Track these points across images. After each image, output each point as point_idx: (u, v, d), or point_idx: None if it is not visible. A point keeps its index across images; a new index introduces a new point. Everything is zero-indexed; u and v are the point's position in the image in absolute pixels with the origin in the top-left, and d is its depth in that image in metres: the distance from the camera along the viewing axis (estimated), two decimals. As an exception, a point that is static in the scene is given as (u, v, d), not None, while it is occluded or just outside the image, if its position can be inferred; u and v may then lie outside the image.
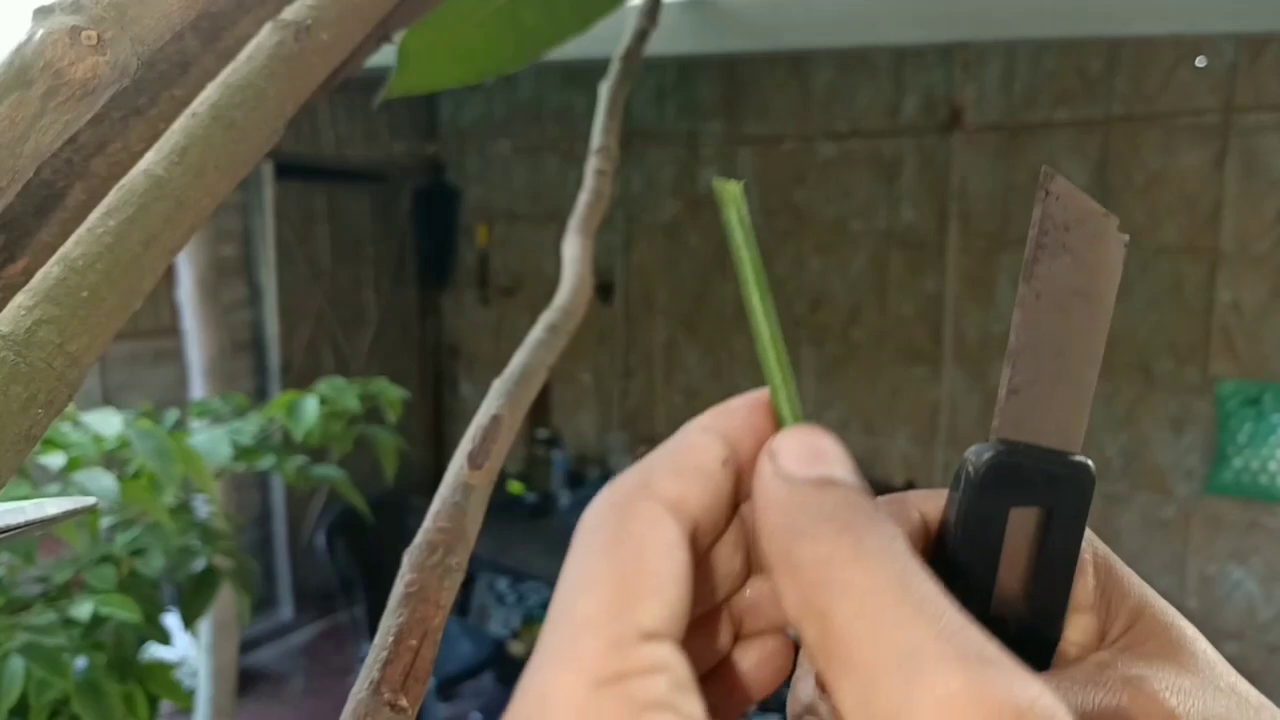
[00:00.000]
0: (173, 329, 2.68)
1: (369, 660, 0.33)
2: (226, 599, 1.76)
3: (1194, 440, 2.94)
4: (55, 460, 1.14)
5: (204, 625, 2.18)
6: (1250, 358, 2.81)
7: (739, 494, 0.24)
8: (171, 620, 1.33)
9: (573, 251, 0.66)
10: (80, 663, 1.16)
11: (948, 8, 0.74)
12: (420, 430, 4.55)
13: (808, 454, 0.22)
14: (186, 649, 2.52)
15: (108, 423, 1.14)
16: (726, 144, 3.77)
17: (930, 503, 0.29)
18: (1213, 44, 2.73)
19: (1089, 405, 0.26)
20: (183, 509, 1.34)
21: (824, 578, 0.19)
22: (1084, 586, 0.28)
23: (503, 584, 3.63)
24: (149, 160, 0.31)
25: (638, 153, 3.87)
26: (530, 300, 4.36)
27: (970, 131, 3.18)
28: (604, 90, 0.77)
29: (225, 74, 0.33)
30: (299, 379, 3.92)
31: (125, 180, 0.31)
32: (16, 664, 1.01)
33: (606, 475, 3.96)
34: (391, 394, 1.48)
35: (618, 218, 3.99)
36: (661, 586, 0.20)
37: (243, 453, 1.35)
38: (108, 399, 3.06)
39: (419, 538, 0.36)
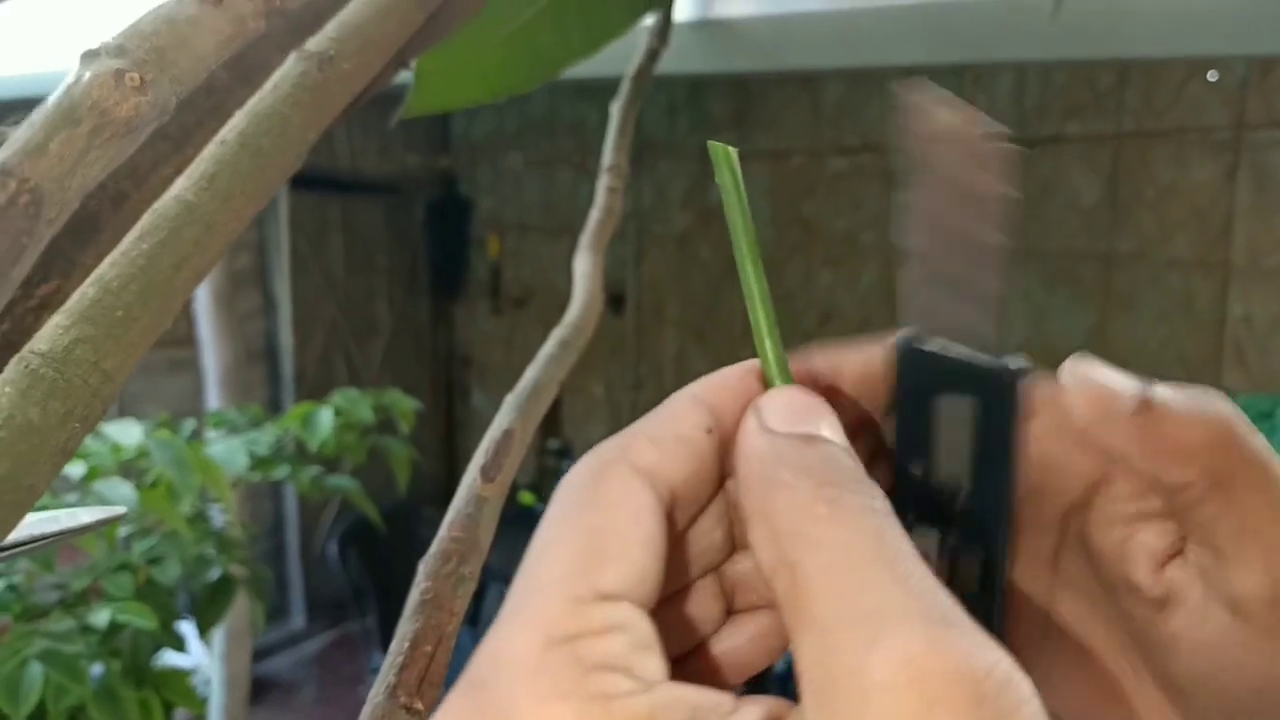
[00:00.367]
0: (188, 339, 2.71)
1: (385, 665, 0.34)
2: (240, 607, 1.78)
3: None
4: (75, 470, 1.16)
5: (217, 633, 2.20)
6: (1262, 371, 2.80)
7: (725, 464, 0.23)
8: (186, 628, 1.34)
9: (584, 268, 0.67)
10: (96, 669, 1.18)
11: (956, 30, 0.75)
12: (432, 440, 4.57)
13: (793, 411, 0.22)
14: (200, 657, 2.54)
15: (128, 433, 1.16)
16: (738, 156, 3.78)
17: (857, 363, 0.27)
18: (1224, 59, 2.74)
19: (992, 309, 0.25)
20: (199, 518, 1.36)
21: (798, 529, 0.19)
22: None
23: (513, 594, 3.63)
24: (180, 186, 0.32)
25: (649, 165, 3.89)
26: (542, 311, 4.38)
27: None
28: (615, 109, 0.79)
29: (252, 102, 0.34)
30: (312, 388, 3.94)
31: (157, 205, 0.32)
32: (35, 670, 1.03)
33: (617, 486, 3.96)
34: (404, 405, 1.49)
35: (629, 230, 4.01)
36: (627, 550, 0.20)
37: (258, 463, 1.37)
38: (124, 408, 3.08)
39: (434, 547, 0.38)
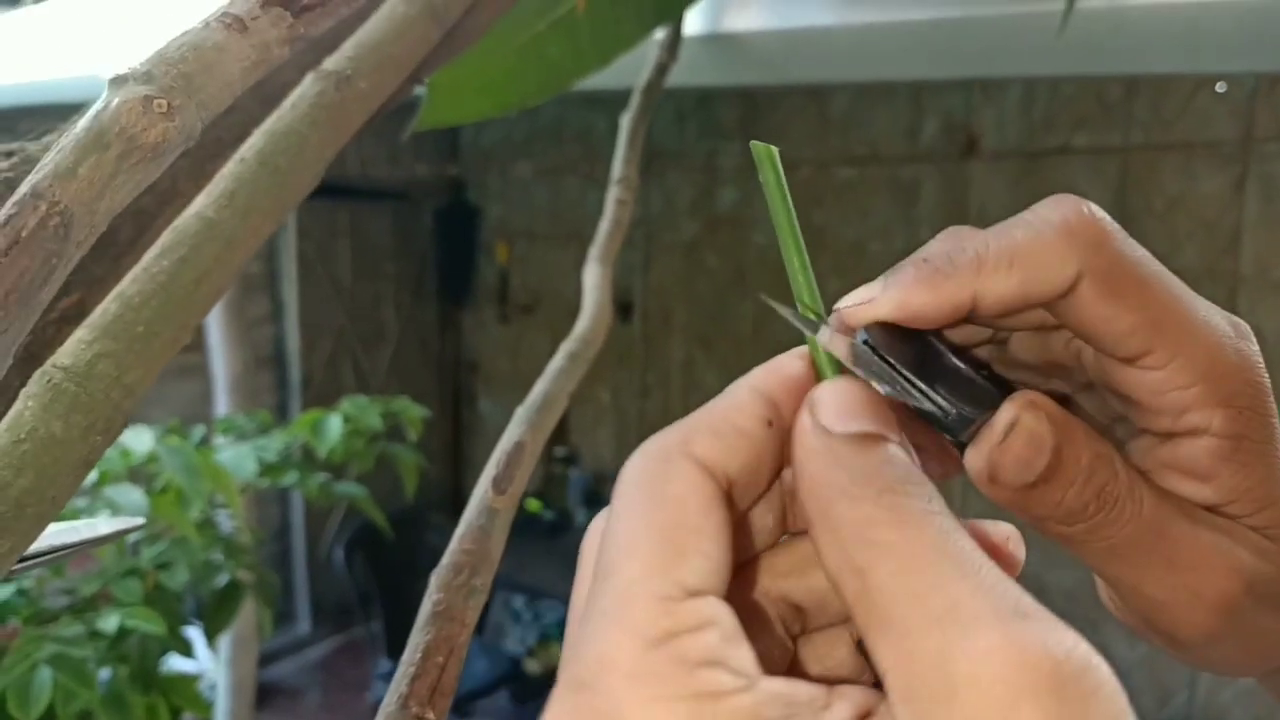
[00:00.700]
0: (197, 344, 2.72)
1: (398, 675, 0.35)
2: (246, 613, 1.79)
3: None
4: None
5: (223, 639, 2.21)
6: (1272, 383, 2.79)
7: (783, 455, 0.24)
8: (192, 633, 1.35)
9: (593, 279, 0.68)
10: (104, 674, 1.18)
11: (963, 46, 0.76)
12: (439, 446, 4.57)
13: (847, 407, 0.22)
14: (206, 662, 2.55)
15: (139, 439, 1.17)
16: (745, 166, 3.79)
17: None
18: (1232, 73, 2.74)
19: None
20: (207, 524, 1.36)
21: (863, 537, 0.19)
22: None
23: (519, 602, 3.64)
24: (200, 203, 0.33)
25: (657, 174, 3.90)
26: (549, 318, 4.39)
27: (988, 159, 3.20)
28: (625, 122, 0.79)
29: (270, 121, 0.35)
30: (319, 394, 3.95)
31: (178, 222, 0.33)
32: (45, 674, 1.04)
33: (623, 494, 3.97)
34: (413, 413, 1.50)
35: (637, 237, 4.01)
36: (703, 544, 0.20)
37: (267, 469, 1.37)
38: (134, 413, 3.09)
39: (445, 559, 0.38)
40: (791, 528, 0.26)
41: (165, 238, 0.33)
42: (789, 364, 0.25)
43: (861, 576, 0.19)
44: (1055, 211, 0.26)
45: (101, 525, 0.35)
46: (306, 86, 0.36)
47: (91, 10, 2.25)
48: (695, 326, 4.01)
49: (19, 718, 0.98)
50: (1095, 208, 0.26)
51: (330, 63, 0.37)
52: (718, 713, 0.18)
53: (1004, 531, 0.25)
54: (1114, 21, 0.67)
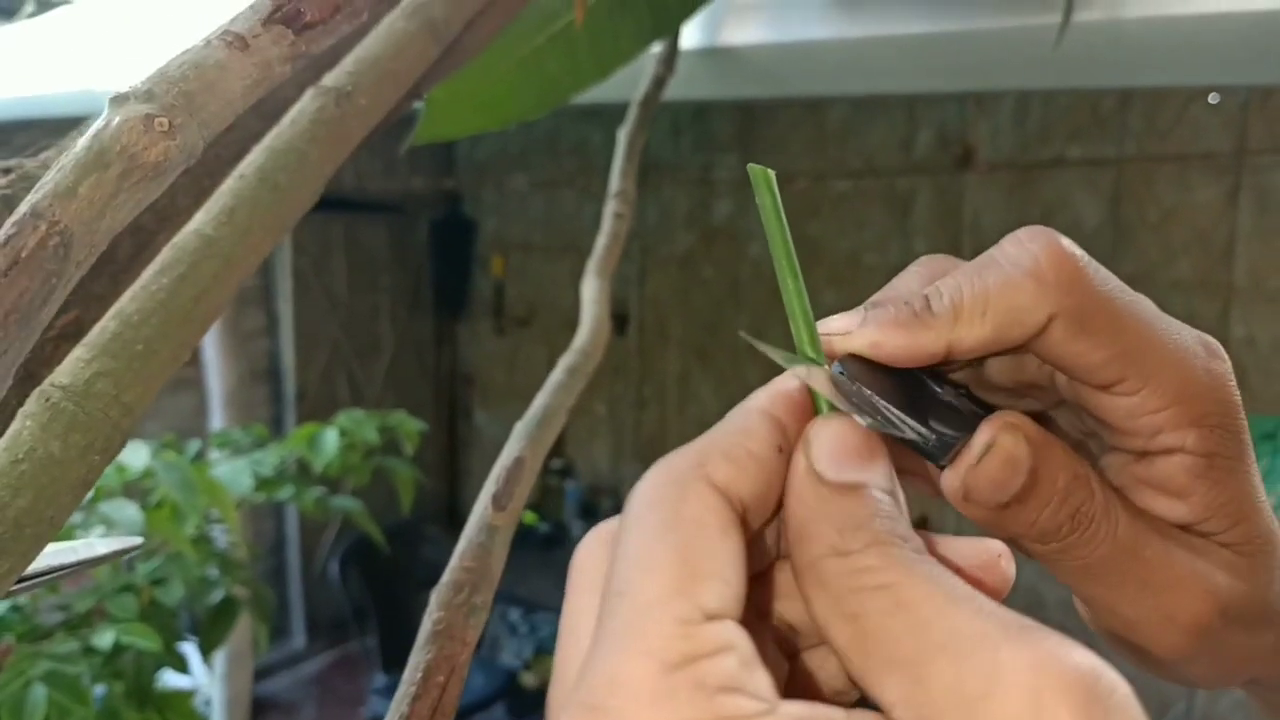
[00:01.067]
0: (192, 358, 2.71)
1: (398, 696, 0.34)
2: (241, 628, 1.78)
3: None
4: (80, 490, 1.16)
5: (218, 654, 2.20)
6: (1265, 393, 2.80)
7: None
8: (187, 648, 1.34)
9: (591, 293, 0.68)
10: (99, 690, 1.17)
11: (960, 59, 0.76)
12: (434, 459, 4.56)
13: (841, 453, 0.22)
14: (200, 677, 2.53)
15: (135, 454, 1.16)
16: (741, 178, 3.80)
17: None
18: (1227, 84, 2.75)
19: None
20: (202, 539, 1.36)
21: (852, 586, 0.20)
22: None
23: (515, 615, 3.63)
24: (199, 220, 0.33)
25: (653, 186, 3.90)
26: (545, 330, 4.39)
27: (983, 171, 3.21)
28: (622, 135, 0.79)
29: (270, 138, 0.35)
30: (314, 407, 3.95)
31: (177, 239, 0.32)
32: (39, 692, 1.03)
33: (620, 506, 3.94)
34: (410, 427, 1.50)
35: (633, 250, 4.02)
36: (721, 568, 0.20)
37: (262, 484, 1.37)
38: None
39: (446, 576, 0.38)
40: (786, 550, 0.26)
41: (164, 255, 0.33)
42: (793, 386, 0.25)
43: (854, 621, 0.19)
44: (1027, 252, 0.26)
45: (99, 545, 0.35)
46: (306, 102, 0.36)
47: (86, 25, 2.25)
48: (691, 339, 4.01)
49: (13, 736, 0.98)
50: (1066, 243, 0.26)
51: (330, 78, 0.37)
52: None
53: (995, 548, 0.25)
54: (1110, 34, 0.67)
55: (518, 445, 0.46)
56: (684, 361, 4.04)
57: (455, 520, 4.63)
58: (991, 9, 0.69)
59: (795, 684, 0.26)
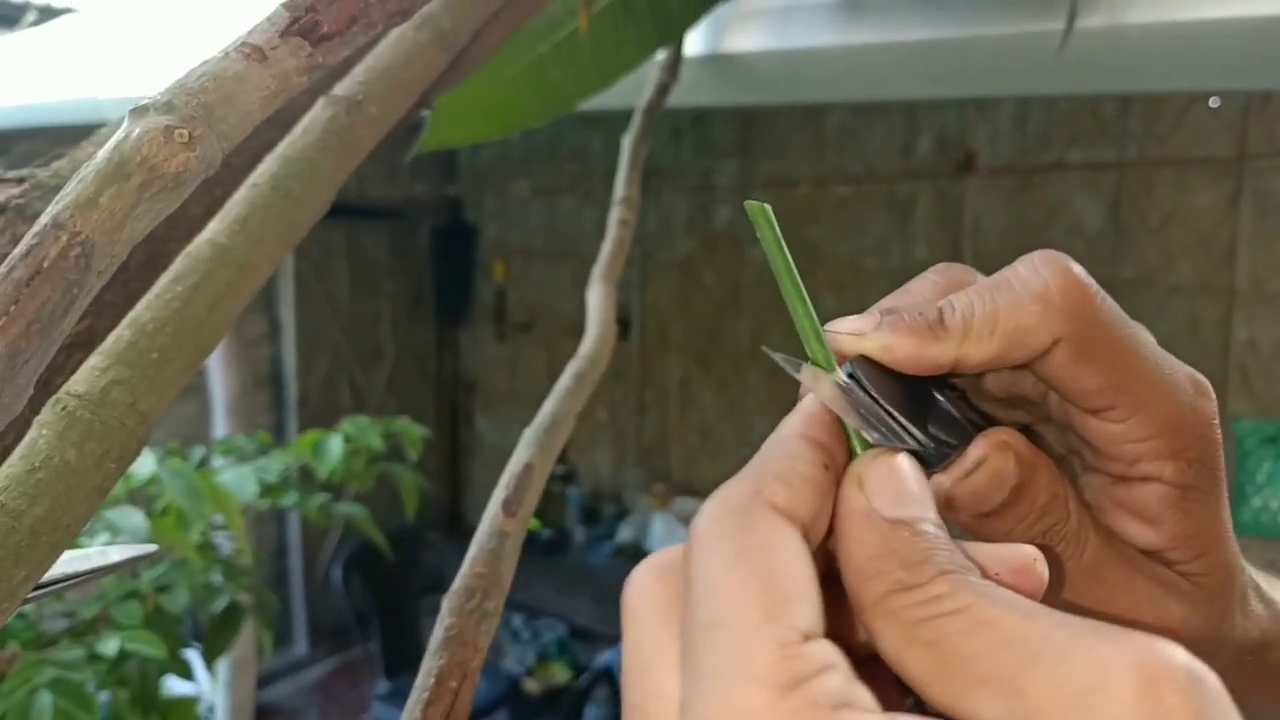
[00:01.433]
0: (194, 365, 2.71)
1: (411, 702, 0.34)
2: (245, 635, 1.78)
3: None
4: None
5: (222, 661, 2.20)
6: (1268, 396, 2.80)
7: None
8: (192, 655, 1.34)
9: (597, 300, 0.68)
10: (104, 697, 1.17)
11: (960, 66, 0.76)
12: (436, 465, 4.57)
13: (893, 489, 0.23)
14: (204, 684, 2.53)
15: (141, 461, 1.17)
16: (741, 183, 3.81)
17: None
18: (1228, 89, 2.75)
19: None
20: (206, 545, 1.36)
21: (924, 617, 0.20)
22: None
23: (518, 621, 3.63)
24: (213, 229, 0.33)
25: (654, 191, 3.91)
26: (546, 336, 4.39)
27: (984, 175, 3.21)
28: (626, 142, 0.80)
29: (282, 147, 0.35)
30: (316, 413, 3.95)
31: (191, 248, 0.33)
32: (45, 699, 1.03)
33: (622, 512, 3.97)
34: (413, 433, 1.50)
35: (634, 255, 4.01)
36: (804, 588, 0.20)
37: (267, 490, 1.37)
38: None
39: (457, 583, 0.38)
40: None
41: (178, 264, 0.33)
42: (819, 407, 0.25)
43: (933, 647, 0.20)
44: (1038, 276, 0.27)
45: (114, 553, 0.35)
46: (318, 111, 0.36)
47: (88, 33, 2.26)
48: (692, 344, 4.01)
49: (19, 743, 0.98)
50: (1076, 270, 0.27)
51: (341, 88, 0.37)
52: None
53: (1029, 553, 0.25)
54: (1112, 41, 0.68)
55: (527, 451, 0.46)
56: (685, 367, 4.04)
57: (457, 526, 4.63)
58: (993, 16, 0.69)
59: None
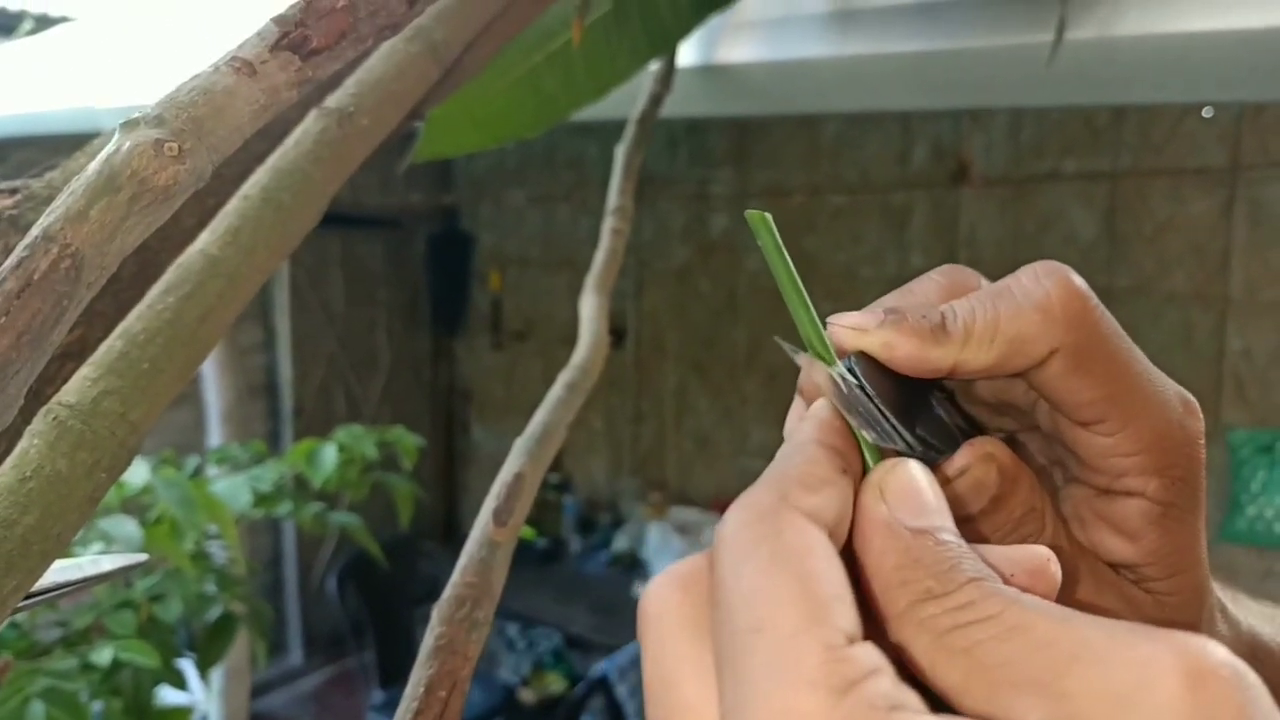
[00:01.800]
0: (190, 374, 2.71)
1: (400, 710, 0.35)
2: (239, 645, 1.77)
3: (1207, 488, 2.94)
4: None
5: (216, 670, 2.19)
6: (1262, 405, 2.81)
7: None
8: (185, 664, 1.34)
9: (589, 309, 0.68)
10: (97, 707, 1.17)
11: (953, 77, 0.76)
12: (431, 474, 4.56)
13: (914, 499, 0.23)
14: (198, 694, 2.52)
15: (134, 470, 1.17)
16: (736, 192, 3.81)
17: None
18: (1220, 100, 2.76)
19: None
20: (200, 555, 1.36)
21: (957, 622, 0.20)
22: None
23: (513, 630, 3.62)
24: (204, 240, 0.33)
25: (649, 200, 3.92)
26: (542, 345, 4.39)
27: (978, 185, 3.22)
28: (620, 152, 0.80)
29: (274, 158, 0.35)
30: (310, 422, 3.95)
31: (182, 259, 0.33)
32: (38, 709, 1.03)
33: (618, 521, 3.96)
34: (408, 442, 1.50)
35: (629, 263, 4.03)
36: (841, 590, 0.20)
37: (261, 499, 1.37)
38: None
39: (447, 592, 0.38)
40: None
41: (170, 275, 0.33)
42: (830, 414, 0.25)
43: (968, 654, 0.20)
44: (1040, 286, 0.28)
45: (105, 562, 0.35)
46: (310, 123, 0.37)
47: (84, 43, 2.26)
48: (688, 352, 4.02)
49: (11, 753, 0.98)
50: (1077, 281, 0.28)
51: (333, 100, 0.37)
52: None
53: (1042, 553, 0.25)
54: (1102, 53, 0.68)
55: (518, 461, 0.46)
56: (681, 375, 4.04)
57: (452, 535, 4.62)
58: (985, 28, 0.70)
59: None
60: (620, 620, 3.28)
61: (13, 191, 0.39)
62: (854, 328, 0.27)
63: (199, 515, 1.14)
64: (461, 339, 4.79)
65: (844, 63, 0.77)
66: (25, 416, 0.31)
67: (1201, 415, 0.29)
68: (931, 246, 3.34)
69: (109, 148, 0.23)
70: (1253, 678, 0.18)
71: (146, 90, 1.58)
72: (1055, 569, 0.25)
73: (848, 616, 0.20)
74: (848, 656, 0.19)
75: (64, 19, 2.98)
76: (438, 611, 0.37)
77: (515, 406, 4.51)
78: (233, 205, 0.34)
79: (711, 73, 0.84)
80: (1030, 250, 3.13)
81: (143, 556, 0.36)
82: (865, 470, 0.25)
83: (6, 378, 0.22)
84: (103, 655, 1.12)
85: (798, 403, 0.29)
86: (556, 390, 0.55)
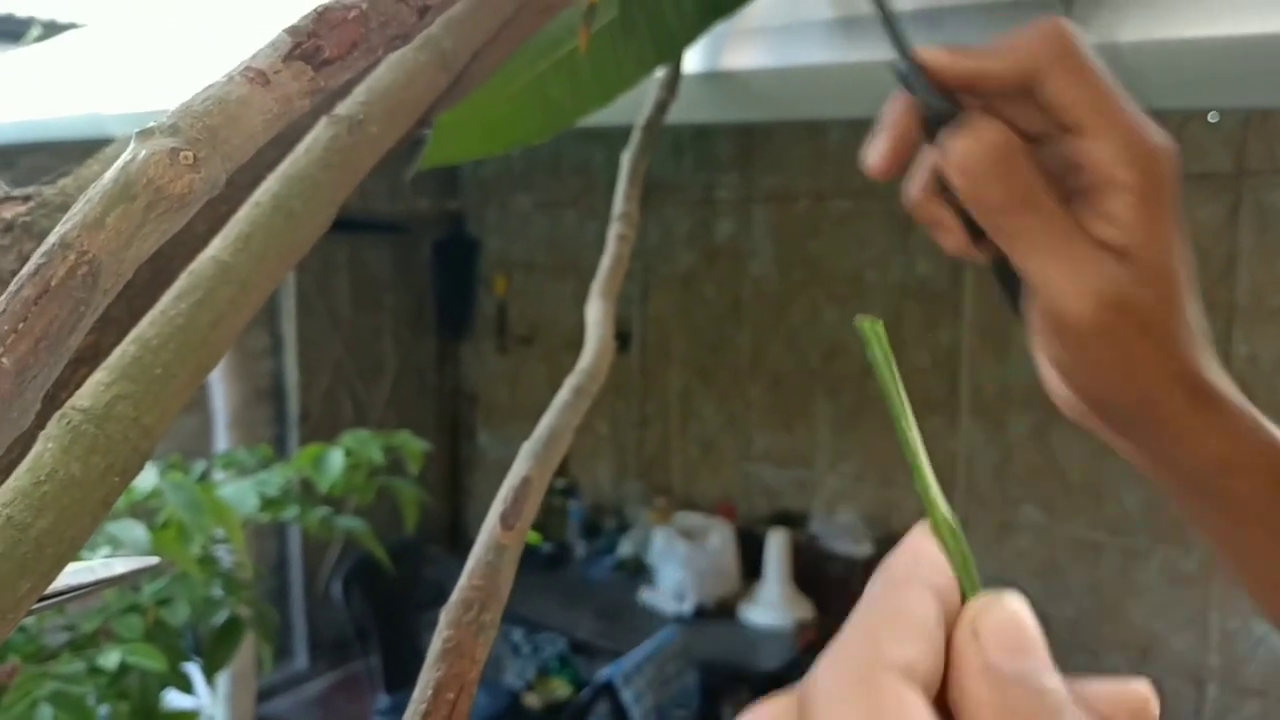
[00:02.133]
0: (196, 378, 2.72)
1: (408, 714, 0.35)
2: (245, 649, 1.78)
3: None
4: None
5: (222, 674, 2.19)
6: (1268, 410, 2.77)
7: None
8: (191, 668, 1.34)
9: (595, 315, 0.69)
10: (104, 710, 1.18)
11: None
12: (437, 478, 4.57)
13: (1010, 639, 0.23)
14: (204, 698, 2.53)
15: (143, 475, 1.17)
16: (742, 197, 3.82)
17: None
18: (1224, 107, 2.76)
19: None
20: (207, 559, 1.36)
21: None
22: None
23: (518, 635, 3.62)
24: (216, 247, 0.34)
25: (655, 205, 3.92)
26: (547, 350, 4.40)
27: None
28: (626, 159, 0.80)
29: (285, 165, 0.36)
30: (316, 427, 3.96)
31: (194, 265, 0.33)
32: (45, 712, 1.03)
33: (623, 525, 3.96)
34: (414, 447, 1.50)
35: (635, 269, 4.03)
36: None
37: (267, 504, 1.37)
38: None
39: (455, 595, 0.38)
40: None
41: (182, 281, 0.33)
42: (926, 546, 0.25)
43: None
44: (1037, 25, 0.38)
45: (118, 564, 0.35)
46: (320, 131, 0.37)
47: (92, 49, 2.28)
48: (693, 357, 4.02)
49: (19, 756, 0.98)
50: (1067, 24, 0.38)
51: (343, 108, 0.38)
52: None
53: (1143, 693, 0.25)
54: (1105, 58, 0.68)
55: (525, 465, 0.47)
56: (686, 380, 4.05)
57: (457, 540, 4.63)
58: (989, 34, 0.70)
59: None
60: (625, 625, 3.28)
61: (26, 198, 0.39)
62: (924, 52, 0.40)
63: (206, 519, 1.14)
64: (467, 344, 4.80)
65: (849, 69, 0.77)
66: (40, 421, 0.31)
67: (1174, 143, 0.39)
68: (936, 252, 3.33)
69: (125, 156, 0.23)
70: None
71: (154, 97, 1.59)
72: (1154, 709, 0.25)
73: None
74: None
75: (72, 25, 3.00)
76: (446, 614, 0.38)
77: (520, 411, 4.52)
78: (244, 212, 0.34)
79: (717, 79, 0.84)
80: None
81: (154, 559, 0.37)
82: (963, 598, 0.25)
83: (24, 382, 0.22)
84: (110, 659, 1.13)
85: (879, 135, 0.44)
86: (563, 394, 0.55)
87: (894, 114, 0.42)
